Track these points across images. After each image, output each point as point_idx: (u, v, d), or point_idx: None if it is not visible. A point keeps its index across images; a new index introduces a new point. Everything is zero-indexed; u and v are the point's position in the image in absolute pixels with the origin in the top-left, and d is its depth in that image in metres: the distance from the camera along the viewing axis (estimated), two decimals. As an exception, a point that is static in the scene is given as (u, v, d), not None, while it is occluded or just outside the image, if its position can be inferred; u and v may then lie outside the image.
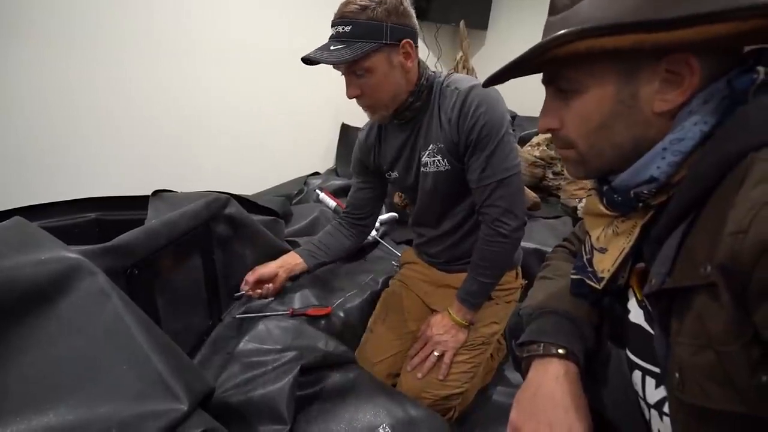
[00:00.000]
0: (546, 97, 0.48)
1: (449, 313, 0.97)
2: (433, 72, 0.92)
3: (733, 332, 0.30)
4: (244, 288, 1.00)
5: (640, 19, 0.34)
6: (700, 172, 0.36)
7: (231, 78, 1.68)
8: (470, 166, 0.89)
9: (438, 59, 2.73)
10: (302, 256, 1.07)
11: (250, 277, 0.99)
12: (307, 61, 0.82)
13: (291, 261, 1.06)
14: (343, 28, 0.79)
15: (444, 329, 0.96)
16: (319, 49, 0.82)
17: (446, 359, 0.94)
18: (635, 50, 0.37)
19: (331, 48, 0.80)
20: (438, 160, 0.92)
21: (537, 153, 2.01)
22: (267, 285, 1.01)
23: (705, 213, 0.35)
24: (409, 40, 0.83)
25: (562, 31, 0.36)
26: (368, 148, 1.05)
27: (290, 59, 1.87)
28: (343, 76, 0.86)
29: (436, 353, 0.95)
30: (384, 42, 0.80)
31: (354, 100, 0.88)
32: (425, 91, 0.90)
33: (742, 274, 0.28)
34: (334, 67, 0.85)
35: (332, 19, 0.82)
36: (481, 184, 0.88)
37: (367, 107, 0.89)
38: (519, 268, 1.11)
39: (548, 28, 0.44)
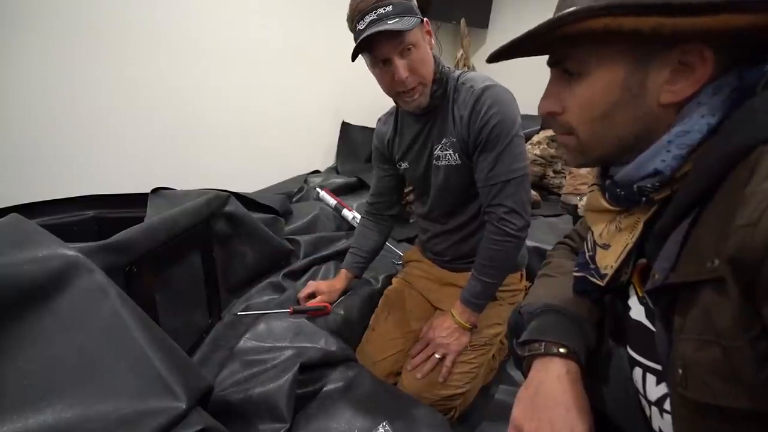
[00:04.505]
0: (550, 79, 0.46)
1: (452, 316, 0.96)
2: (448, 66, 0.93)
3: (741, 327, 0.29)
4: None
5: (666, 1, 0.33)
6: (706, 165, 0.35)
7: (232, 76, 1.68)
8: (479, 165, 0.89)
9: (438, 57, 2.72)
10: (351, 271, 1.13)
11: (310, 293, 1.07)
12: (359, 49, 0.82)
13: (343, 281, 1.12)
14: (384, 9, 0.80)
15: (447, 332, 0.95)
16: (370, 27, 0.80)
17: (447, 362, 0.93)
18: (653, 34, 0.36)
19: (389, 21, 0.79)
20: (450, 155, 0.92)
21: (537, 151, 2.00)
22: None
23: (711, 207, 0.34)
24: (426, 18, 0.86)
25: (585, 5, 0.35)
26: (383, 137, 1.07)
27: (291, 57, 1.88)
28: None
29: (437, 355, 0.94)
30: (419, 17, 0.83)
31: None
32: (444, 79, 0.91)
33: (751, 267, 0.28)
34: (376, 57, 0.83)
35: (362, 9, 0.81)
36: (488, 183, 0.88)
37: (412, 89, 0.87)
38: (524, 270, 1.11)
39: (561, 3, 0.42)
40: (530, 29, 0.39)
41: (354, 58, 0.84)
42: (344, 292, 1.13)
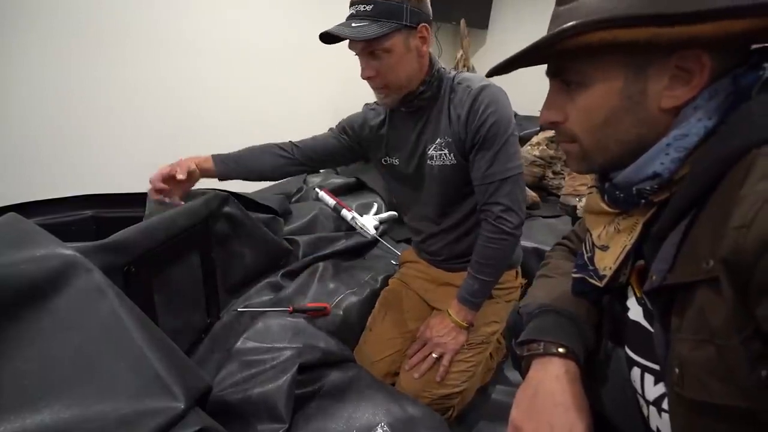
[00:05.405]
0: (550, 89, 0.47)
1: (449, 314, 0.96)
2: (444, 68, 0.93)
3: (735, 326, 0.30)
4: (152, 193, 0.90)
5: (661, 12, 0.34)
6: (703, 168, 0.35)
7: (230, 76, 1.68)
8: (475, 164, 0.90)
9: (438, 58, 2.73)
10: (214, 162, 0.99)
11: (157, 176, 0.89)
12: (326, 37, 0.83)
13: (202, 161, 0.97)
14: (363, 7, 0.80)
15: (444, 331, 0.96)
16: (340, 25, 0.82)
17: (444, 362, 0.93)
18: (650, 44, 0.36)
19: (353, 25, 0.80)
20: (444, 154, 0.93)
21: (537, 152, 2.00)
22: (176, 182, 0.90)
23: (707, 209, 0.34)
24: (425, 24, 0.85)
25: (579, 21, 0.36)
26: (368, 122, 1.04)
27: (290, 58, 1.88)
28: (350, 62, 0.87)
29: (434, 355, 0.95)
30: (403, 23, 0.81)
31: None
32: (436, 82, 0.91)
33: (744, 268, 0.28)
34: (349, 47, 0.85)
35: (353, 0, 0.83)
36: (485, 182, 0.89)
37: (379, 89, 0.89)
38: (519, 268, 1.11)
39: (555, 18, 0.43)
40: (529, 45, 0.39)
41: (323, 40, 0.84)
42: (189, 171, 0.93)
